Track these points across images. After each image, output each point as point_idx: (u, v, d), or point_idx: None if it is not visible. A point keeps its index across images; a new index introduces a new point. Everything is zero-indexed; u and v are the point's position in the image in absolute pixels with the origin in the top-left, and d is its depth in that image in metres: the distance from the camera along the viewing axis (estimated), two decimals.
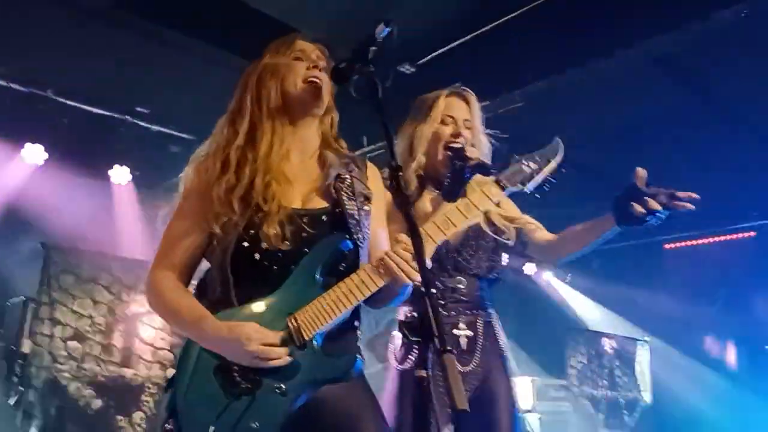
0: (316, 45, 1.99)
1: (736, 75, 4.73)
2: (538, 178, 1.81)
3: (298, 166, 1.90)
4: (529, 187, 1.81)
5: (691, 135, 5.66)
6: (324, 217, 1.82)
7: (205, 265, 1.90)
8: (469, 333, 2.24)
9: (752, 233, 7.72)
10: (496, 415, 2.20)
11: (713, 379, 7.58)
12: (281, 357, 1.65)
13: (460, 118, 2.38)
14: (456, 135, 2.32)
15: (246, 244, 1.75)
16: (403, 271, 1.67)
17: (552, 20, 4.05)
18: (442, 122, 2.36)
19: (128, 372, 5.52)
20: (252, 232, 1.75)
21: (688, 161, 6.17)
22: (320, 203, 1.86)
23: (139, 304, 5.66)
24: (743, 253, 7.73)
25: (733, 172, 6.33)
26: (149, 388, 5.59)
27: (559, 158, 1.84)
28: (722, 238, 8.01)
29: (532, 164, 1.81)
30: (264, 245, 1.74)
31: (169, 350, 5.75)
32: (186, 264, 1.86)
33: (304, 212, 1.82)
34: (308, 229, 1.78)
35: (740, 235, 7.85)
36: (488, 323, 2.32)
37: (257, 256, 1.75)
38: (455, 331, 2.21)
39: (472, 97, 2.45)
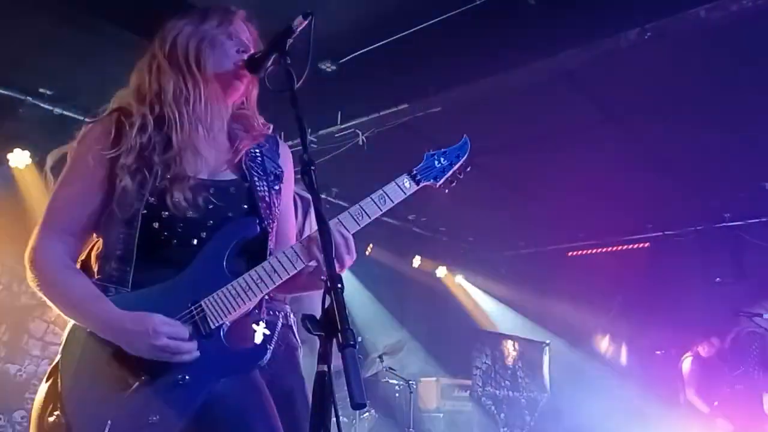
0: (250, 26, 1.89)
1: (637, 94, 4.99)
2: (448, 174, 1.92)
3: (207, 136, 1.78)
4: (440, 181, 1.92)
5: (591, 149, 5.92)
6: (232, 189, 1.75)
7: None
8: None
9: (647, 244, 8.25)
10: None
11: (607, 380, 8.00)
12: (191, 353, 1.56)
13: None
14: None
15: (145, 211, 1.63)
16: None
17: (469, 30, 4.15)
18: None
19: (12, 368, 5.17)
20: (152, 199, 1.64)
21: (589, 176, 6.47)
22: (229, 175, 1.78)
23: (30, 296, 5.32)
24: (638, 262, 8.24)
25: (630, 188, 6.71)
26: (35, 384, 5.26)
27: (466, 155, 1.96)
28: (619, 248, 8.51)
29: (443, 160, 1.92)
30: (165, 213, 1.64)
31: None
32: (78, 235, 1.70)
33: (210, 183, 1.73)
34: (214, 201, 1.69)
35: (636, 246, 8.37)
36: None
37: (156, 224, 1.64)
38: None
39: None
